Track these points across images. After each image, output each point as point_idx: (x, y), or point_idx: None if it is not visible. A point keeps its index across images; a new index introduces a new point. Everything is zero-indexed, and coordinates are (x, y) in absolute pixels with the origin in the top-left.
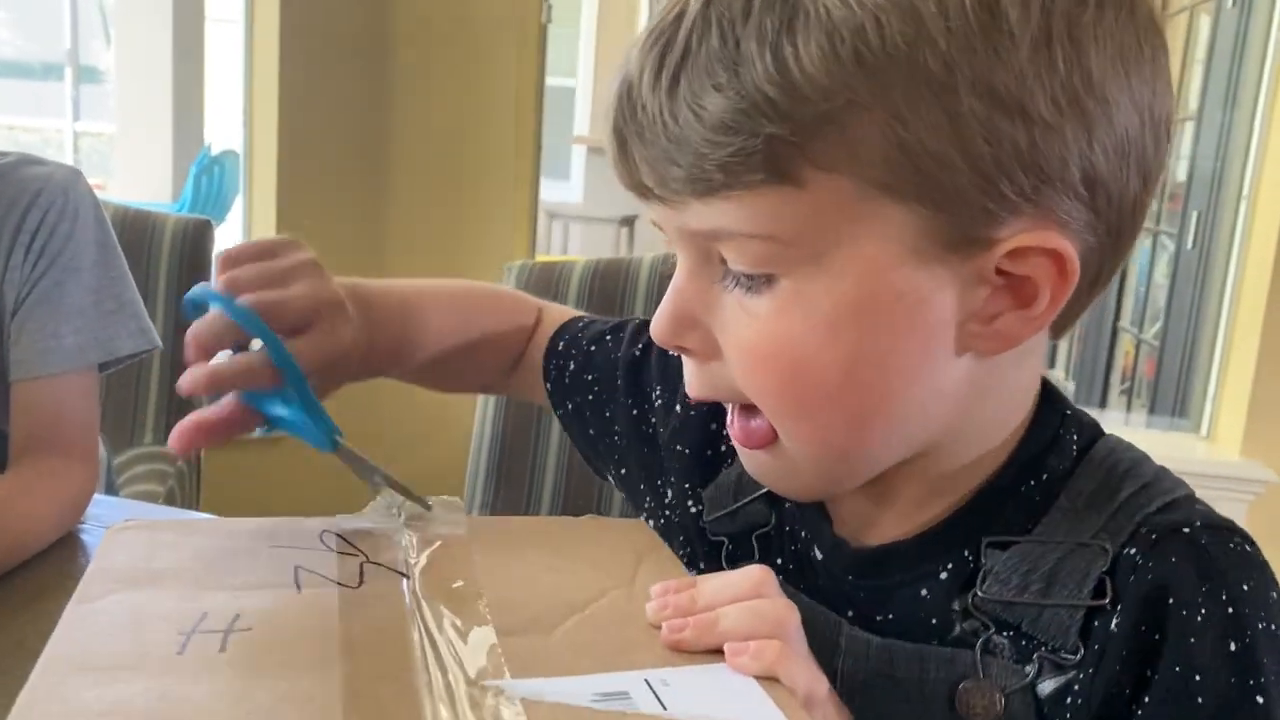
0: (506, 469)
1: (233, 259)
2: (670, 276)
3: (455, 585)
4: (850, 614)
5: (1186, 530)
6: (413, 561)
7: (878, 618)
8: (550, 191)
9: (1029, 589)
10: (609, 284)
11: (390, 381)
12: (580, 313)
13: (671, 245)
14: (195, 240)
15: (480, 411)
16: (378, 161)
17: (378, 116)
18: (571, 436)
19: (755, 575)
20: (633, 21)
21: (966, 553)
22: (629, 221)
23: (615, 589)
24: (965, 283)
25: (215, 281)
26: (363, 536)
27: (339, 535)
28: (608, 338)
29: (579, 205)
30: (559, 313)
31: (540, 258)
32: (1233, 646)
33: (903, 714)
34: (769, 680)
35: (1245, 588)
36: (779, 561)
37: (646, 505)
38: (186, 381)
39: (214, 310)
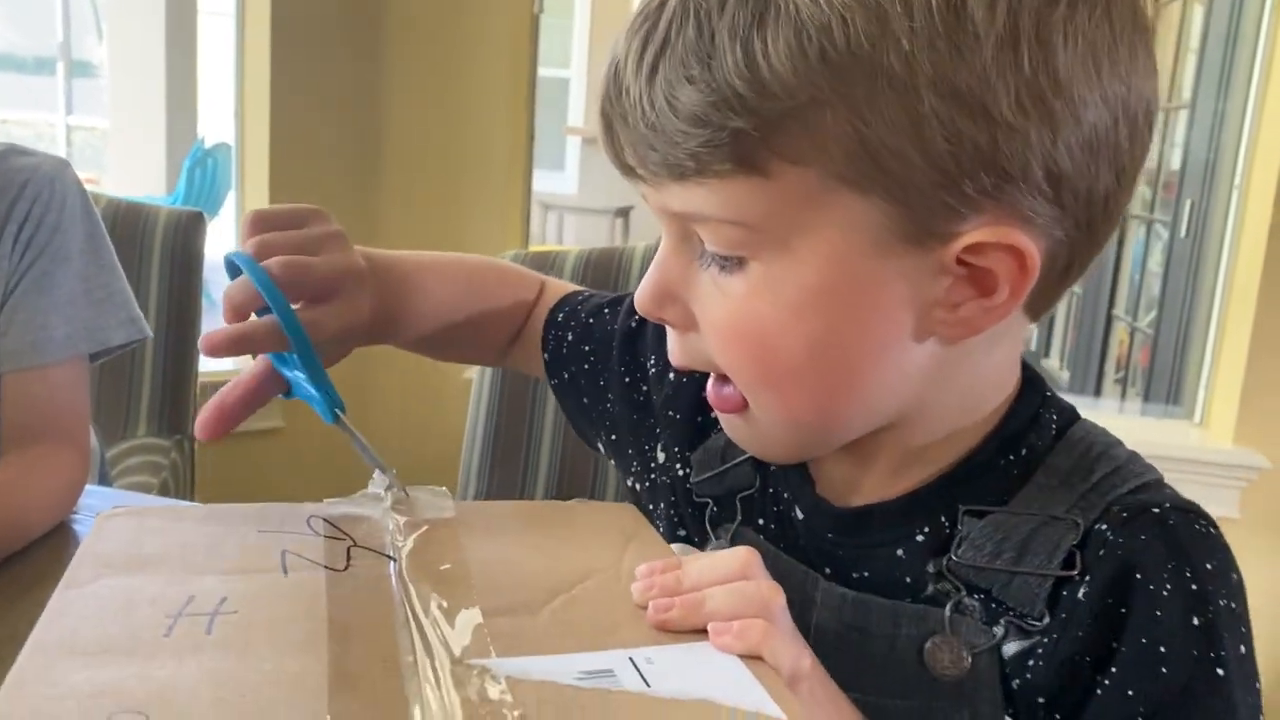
0: (501, 454)
1: (263, 220)
2: None
3: (442, 568)
4: (828, 571)
5: (1156, 510)
6: (400, 545)
7: (854, 575)
8: (545, 183)
9: (1001, 556)
10: (601, 274)
11: (386, 365)
12: (580, 287)
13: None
14: (187, 233)
15: (475, 396)
16: (370, 153)
17: (370, 108)
18: (563, 405)
19: (741, 556)
20: (626, 11)
21: (944, 519)
22: (624, 213)
23: (602, 570)
24: (927, 273)
25: (244, 244)
26: (350, 521)
27: (326, 520)
28: (605, 311)
29: (574, 196)
30: (559, 287)
31: (534, 249)
32: (1196, 621)
33: (873, 666)
34: (753, 659)
35: (1209, 566)
36: (760, 522)
37: (633, 469)
38: (205, 343)
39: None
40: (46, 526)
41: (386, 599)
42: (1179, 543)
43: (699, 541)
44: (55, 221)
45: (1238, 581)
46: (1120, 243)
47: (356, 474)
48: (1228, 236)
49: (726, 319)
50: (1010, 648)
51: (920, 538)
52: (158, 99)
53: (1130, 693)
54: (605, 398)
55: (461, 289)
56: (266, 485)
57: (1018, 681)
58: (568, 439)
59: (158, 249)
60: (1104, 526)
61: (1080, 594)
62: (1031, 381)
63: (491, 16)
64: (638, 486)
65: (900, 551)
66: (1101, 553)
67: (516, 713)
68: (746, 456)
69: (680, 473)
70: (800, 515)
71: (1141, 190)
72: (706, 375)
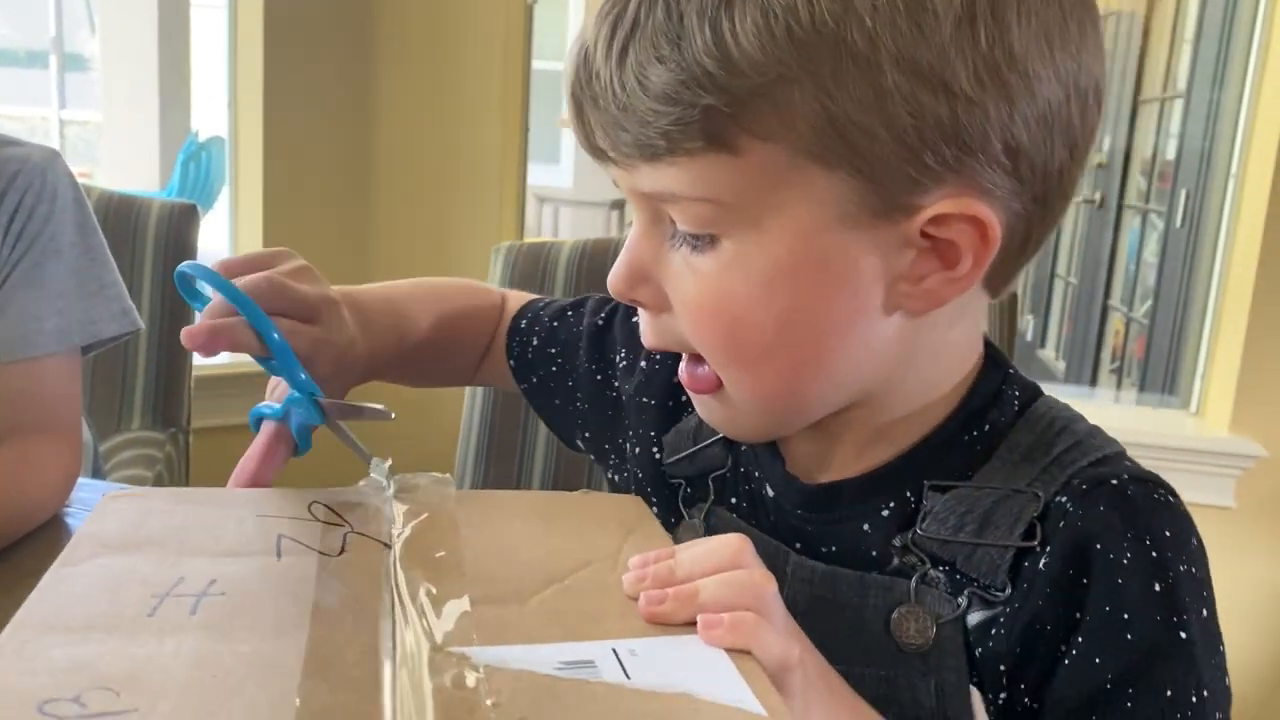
0: (497, 447)
1: (227, 267)
2: None
3: (437, 555)
4: (798, 545)
5: (1115, 482)
6: (397, 532)
7: (823, 549)
8: (540, 175)
9: (964, 529)
10: (597, 264)
11: None
12: (538, 295)
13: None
14: (180, 225)
15: (470, 393)
16: (364, 146)
17: (364, 101)
18: (536, 408)
19: (734, 544)
20: None
21: (909, 494)
22: (619, 205)
23: (598, 560)
24: (892, 246)
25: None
26: (351, 508)
27: (328, 506)
28: (569, 313)
29: (569, 189)
30: (519, 296)
31: (529, 240)
32: (1157, 587)
33: (842, 635)
34: (740, 653)
35: (1167, 533)
36: (733, 500)
37: (611, 463)
38: (184, 335)
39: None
40: (39, 520)
41: (375, 585)
42: (1137, 512)
43: (674, 522)
44: (47, 212)
45: (1198, 547)
46: (1116, 233)
47: (352, 468)
48: (1223, 227)
49: (698, 297)
50: (974, 618)
51: (886, 512)
52: (151, 93)
53: (1097, 660)
54: (575, 397)
55: (439, 305)
56: None
57: (980, 650)
58: None
59: (150, 242)
60: (1064, 499)
61: (1040, 564)
62: (994, 359)
63: (485, 9)
64: (615, 479)
65: (867, 526)
66: (1061, 524)
67: (489, 701)
68: (718, 437)
69: (655, 456)
70: (771, 493)
71: (1137, 180)
72: (678, 360)
